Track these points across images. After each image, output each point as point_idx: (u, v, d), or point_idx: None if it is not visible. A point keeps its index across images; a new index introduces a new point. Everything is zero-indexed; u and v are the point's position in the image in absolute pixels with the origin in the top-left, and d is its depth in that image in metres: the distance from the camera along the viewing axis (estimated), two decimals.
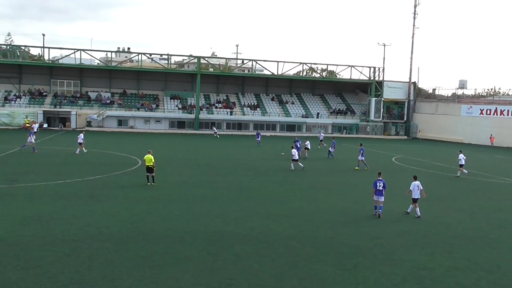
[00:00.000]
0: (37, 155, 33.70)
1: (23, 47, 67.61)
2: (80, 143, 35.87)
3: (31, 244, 13.68)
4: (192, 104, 70.45)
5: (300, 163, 31.16)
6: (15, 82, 67.22)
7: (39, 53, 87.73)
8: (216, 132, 60.21)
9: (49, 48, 65.75)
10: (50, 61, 68.30)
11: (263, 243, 14.56)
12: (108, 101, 66.98)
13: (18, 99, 64.61)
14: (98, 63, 73.38)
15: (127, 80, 71.22)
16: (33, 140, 35.37)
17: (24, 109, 62.13)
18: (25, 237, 14.22)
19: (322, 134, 49.05)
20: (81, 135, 36.42)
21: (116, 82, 70.92)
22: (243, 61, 78.68)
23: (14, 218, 16.35)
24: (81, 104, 66.02)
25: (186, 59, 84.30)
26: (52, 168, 28.09)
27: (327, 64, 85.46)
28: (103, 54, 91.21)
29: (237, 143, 51.27)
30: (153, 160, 23.42)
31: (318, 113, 72.12)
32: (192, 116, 67.45)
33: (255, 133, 56.05)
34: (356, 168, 32.24)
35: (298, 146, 35.64)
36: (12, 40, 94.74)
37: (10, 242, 13.72)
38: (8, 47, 68.08)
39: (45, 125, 60.49)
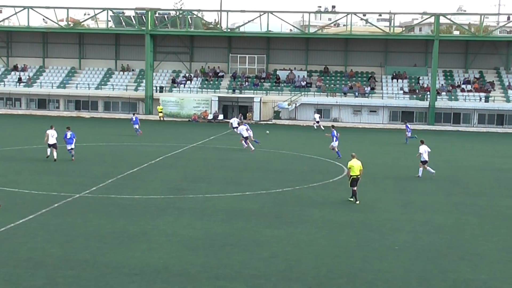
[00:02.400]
0: (210, 158, 37.05)
1: (195, 12, 75.31)
2: (245, 137, 39.43)
3: (199, 276, 15.00)
4: (426, 86, 68.92)
5: None
6: (185, 60, 75.33)
7: (215, 20, 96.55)
8: (318, 122, 59.83)
9: (227, 11, 71.89)
10: (229, 30, 74.55)
11: None
12: (304, 83, 70.01)
13: (188, 82, 72.26)
14: (291, 30, 77.31)
15: (330, 52, 73.47)
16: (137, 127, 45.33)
17: (195, 94, 69.23)
18: (193, 266, 15.67)
19: None
20: (243, 127, 40.45)
21: (314, 56, 73.75)
22: (509, 18, 73.82)
23: (181, 239, 18.20)
24: (267, 87, 70.44)
25: (417, 19, 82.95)
26: (228, 175, 30.55)
27: None
28: (297, 17, 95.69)
29: (500, 143, 48.38)
30: (361, 168, 23.87)
31: None
32: (425, 103, 66.01)
33: None
34: None
35: None
36: (182, 4, 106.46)
37: (176, 271, 15.28)
38: (178, 13, 76.51)
39: (221, 116, 66.24)
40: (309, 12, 73.09)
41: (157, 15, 72.91)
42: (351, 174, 23.77)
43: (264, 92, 69.32)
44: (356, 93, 68.12)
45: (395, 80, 70.50)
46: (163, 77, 74.84)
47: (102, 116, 68.81)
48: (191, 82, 72.41)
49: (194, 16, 74.96)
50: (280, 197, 24.99)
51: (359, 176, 23.81)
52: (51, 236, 17.96)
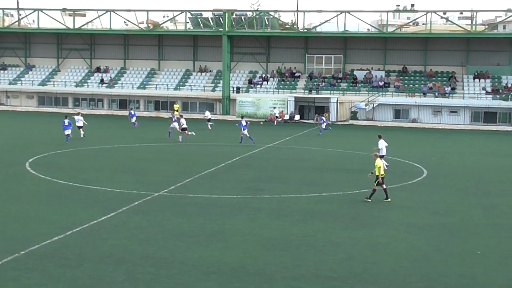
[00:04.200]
0: (286, 159, 37.16)
1: (272, 13, 75.69)
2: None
3: (276, 276, 15.07)
4: (510, 85, 66.67)
5: None
6: (262, 60, 75.84)
7: (292, 20, 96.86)
8: (324, 121, 57.93)
9: (304, 12, 71.93)
10: (306, 30, 74.58)
11: None
12: (381, 83, 69.14)
13: (264, 82, 72.71)
14: (368, 29, 76.60)
15: (409, 52, 72.24)
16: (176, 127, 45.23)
17: (271, 95, 69.58)
18: (269, 266, 15.77)
19: None
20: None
21: (392, 55, 72.69)
22: None
23: (258, 239, 18.34)
24: (344, 87, 70.00)
25: (500, 16, 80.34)
26: (305, 175, 30.56)
27: None
28: (375, 16, 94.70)
29: None
30: (378, 165, 24.04)
31: None
32: (509, 104, 63.93)
33: None
34: None
35: None
36: (259, 5, 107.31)
37: (252, 270, 15.41)
38: (255, 14, 77.11)
39: (297, 117, 66.32)
40: (387, 11, 72.15)
41: (234, 16, 73.69)
42: (381, 173, 23.91)
43: (341, 92, 68.88)
44: (436, 93, 66.64)
45: (477, 80, 68.51)
46: (240, 77, 75.57)
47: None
48: (267, 82, 72.80)
49: (271, 16, 75.38)
50: (357, 198, 24.82)
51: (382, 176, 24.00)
52: (131, 234, 18.46)
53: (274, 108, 65.78)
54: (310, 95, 68.75)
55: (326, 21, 72.31)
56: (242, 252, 16.95)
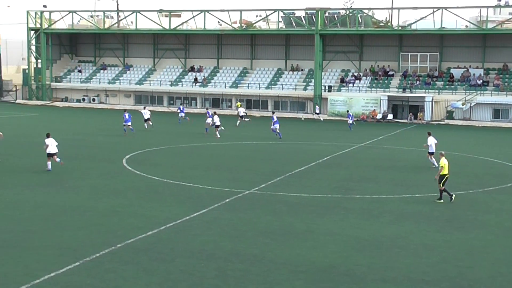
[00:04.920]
0: (378, 158, 36.65)
1: (366, 11, 74.78)
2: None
3: (366, 277, 14.91)
4: None
5: None
6: (354, 59, 75.11)
7: (386, 18, 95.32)
8: (318, 114, 64.78)
9: (398, 9, 70.55)
10: (400, 27, 73.18)
11: None
12: (480, 82, 66.84)
13: (357, 81, 71.95)
14: (466, 26, 74.19)
15: (510, 49, 69.24)
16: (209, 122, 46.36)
17: (363, 94, 68.76)
18: (359, 267, 15.61)
19: None
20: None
21: (492, 53, 70.12)
22: None
23: (348, 239, 18.20)
24: (439, 86, 68.20)
25: None
26: (397, 175, 30.04)
27: None
28: (474, 12, 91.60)
29: None
30: (442, 164, 23.77)
31: None
32: None
33: None
34: None
35: None
36: (352, 3, 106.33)
37: (341, 271, 15.31)
38: (347, 12, 76.47)
39: (390, 116, 65.25)
40: (487, 7, 69.51)
41: (327, 14, 73.29)
42: (445, 173, 23.57)
43: (436, 91, 67.08)
44: None
45: None
46: (332, 76, 75.10)
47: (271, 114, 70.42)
48: (360, 81, 72.00)
49: (364, 14, 74.39)
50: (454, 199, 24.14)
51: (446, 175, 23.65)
52: (222, 230, 18.76)
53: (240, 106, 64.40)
54: (403, 94, 67.41)
55: (421, 18, 70.59)
56: (331, 252, 16.87)
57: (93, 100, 79.67)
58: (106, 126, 51.94)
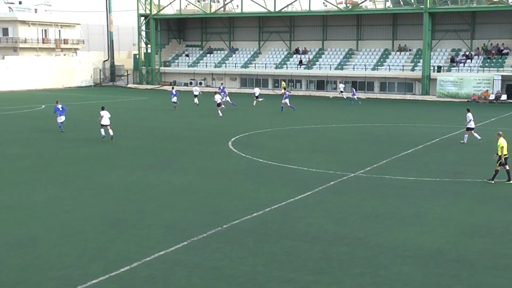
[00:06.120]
0: (489, 141, 35.12)
1: None
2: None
3: (476, 264, 14.39)
4: None
5: None
6: (466, 37, 72.20)
7: None
8: (342, 92, 64.75)
9: None
10: None
11: None
12: None
13: (468, 61, 69.21)
14: None
15: None
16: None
17: (475, 74, 66.07)
18: (469, 253, 15.10)
19: None
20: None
21: None
22: None
23: (457, 224, 17.64)
24: None
25: None
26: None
27: None
28: None
29: None
30: (500, 145, 22.97)
31: None
32: None
33: None
34: None
35: None
36: None
37: (451, 256, 14.87)
38: None
39: (504, 97, 62.37)
40: None
41: None
42: (504, 153, 22.84)
43: None
44: None
45: None
46: (441, 56, 72.63)
47: (378, 96, 69.36)
48: (471, 60, 69.21)
49: None
50: None
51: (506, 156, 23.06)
52: (326, 213, 18.72)
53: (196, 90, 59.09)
54: None
55: None
56: (440, 237, 16.43)
57: (200, 83, 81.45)
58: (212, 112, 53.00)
